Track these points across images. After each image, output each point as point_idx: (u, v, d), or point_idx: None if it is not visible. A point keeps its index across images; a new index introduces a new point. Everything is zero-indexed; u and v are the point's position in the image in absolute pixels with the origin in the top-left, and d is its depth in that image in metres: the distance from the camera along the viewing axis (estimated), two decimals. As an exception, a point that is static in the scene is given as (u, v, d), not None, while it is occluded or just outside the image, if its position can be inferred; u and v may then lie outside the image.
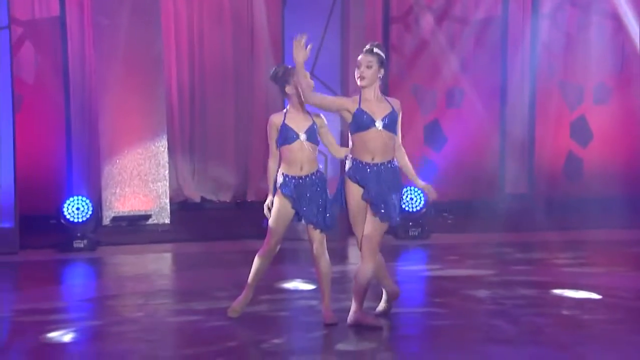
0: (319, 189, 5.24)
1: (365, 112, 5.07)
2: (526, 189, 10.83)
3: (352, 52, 9.62)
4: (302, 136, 5.19)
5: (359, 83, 5.15)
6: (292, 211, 5.24)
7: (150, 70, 9.46)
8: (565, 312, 5.74)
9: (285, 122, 5.22)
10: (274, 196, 5.28)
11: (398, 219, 5.17)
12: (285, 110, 5.33)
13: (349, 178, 5.11)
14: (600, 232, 8.98)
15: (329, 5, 8.75)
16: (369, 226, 5.06)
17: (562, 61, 10.85)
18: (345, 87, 8.95)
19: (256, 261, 5.38)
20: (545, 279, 6.82)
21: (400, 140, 5.27)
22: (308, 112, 5.28)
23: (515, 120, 10.83)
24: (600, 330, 5.28)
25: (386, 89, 10.33)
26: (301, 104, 5.21)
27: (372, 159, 5.09)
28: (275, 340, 5.06)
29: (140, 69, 9.39)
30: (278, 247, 5.35)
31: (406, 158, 5.32)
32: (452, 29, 10.64)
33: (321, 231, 5.24)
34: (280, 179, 5.24)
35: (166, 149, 9.64)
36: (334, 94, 8.15)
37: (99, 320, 5.84)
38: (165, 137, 9.62)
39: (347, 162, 5.17)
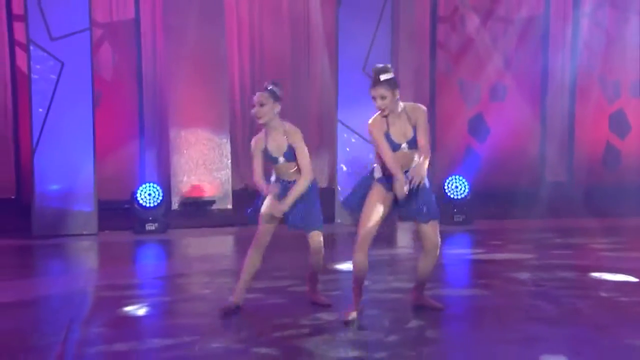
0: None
1: (391, 137, 4.82)
2: (566, 178, 10.65)
3: (401, 49, 9.58)
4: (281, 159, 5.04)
5: (382, 114, 4.79)
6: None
7: (215, 68, 9.55)
8: (603, 295, 5.62)
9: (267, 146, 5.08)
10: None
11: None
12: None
13: (379, 182, 4.92)
14: (637, 220, 8.77)
15: (380, 5, 8.69)
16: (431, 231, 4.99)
17: (601, 57, 10.61)
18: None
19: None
20: (584, 263, 6.70)
21: (423, 141, 4.82)
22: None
23: (555, 113, 10.65)
24: (637, 312, 5.15)
25: (433, 85, 10.34)
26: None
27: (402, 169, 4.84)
28: (330, 318, 5.07)
29: (206, 66, 9.49)
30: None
31: (422, 159, 4.81)
32: (496, 28, 10.50)
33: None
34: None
35: (229, 141, 9.73)
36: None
37: (169, 297, 5.94)
38: (228, 129, 9.71)
39: (376, 168, 4.96)
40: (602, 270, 6.33)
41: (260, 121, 5.05)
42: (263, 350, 4.45)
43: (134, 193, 8.52)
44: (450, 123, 10.18)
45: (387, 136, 4.86)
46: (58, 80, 8.14)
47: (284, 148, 5.04)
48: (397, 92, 4.80)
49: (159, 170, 9.96)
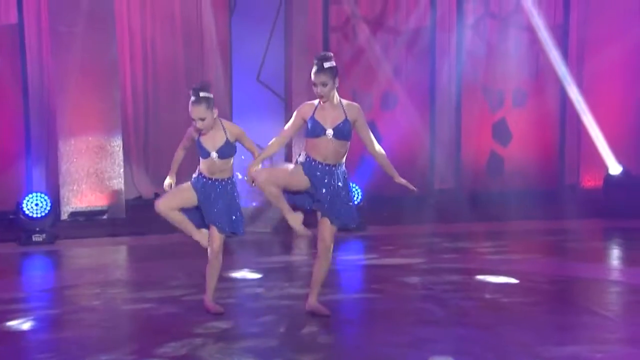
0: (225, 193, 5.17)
1: (317, 121, 4.92)
2: (453, 184, 11.00)
3: (295, 57, 9.64)
4: (214, 154, 5.11)
5: (322, 100, 4.91)
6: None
7: (106, 74, 9.29)
8: (487, 296, 5.84)
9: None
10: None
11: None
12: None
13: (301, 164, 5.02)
14: (518, 223, 9.17)
15: (273, 13, 8.72)
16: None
17: (484, 68, 11.04)
18: (289, 90, 8.95)
19: None
20: (470, 266, 6.94)
21: (375, 142, 5.08)
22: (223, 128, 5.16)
23: (443, 121, 10.99)
24: (519, 312, 5.39)
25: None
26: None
27: (324, 161, 4.97)
28: (224, 326, 5.03)
29: (96, 73, 9.21)
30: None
31: (386, 157, 5.15)
32: (386, 38, 10.74)
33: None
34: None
35: (121, 149, 9.48)
36: (279, 97, 8.14)
37: (57, 309, 5.71)
38: (120, 137, 9.46)
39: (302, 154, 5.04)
40: (486, 272, 6.58)
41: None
42: (156, 361, 4.36)
43: (20, 203, 8.16)
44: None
45: (312, 120, 4.93)
46: None
47: (220, 144, 5.08)
48: (337, 81, 4.93)
49: (48, 180, 9.58)
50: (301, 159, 5.04)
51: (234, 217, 5.15)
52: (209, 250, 5.21)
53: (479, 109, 11.06)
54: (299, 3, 9.45)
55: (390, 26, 10.75)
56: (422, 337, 4.75)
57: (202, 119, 5.06)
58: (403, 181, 5.21)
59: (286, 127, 5.08)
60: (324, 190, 4.98)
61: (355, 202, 5.07)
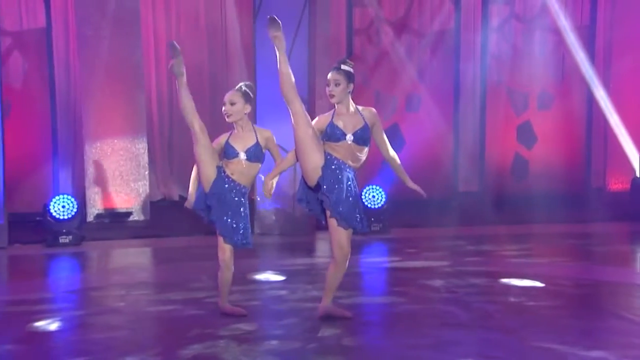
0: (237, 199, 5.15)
1: (337, 126, 4.95)
2: (477, 187, 10.95)
3: (318, 61, 9.65)
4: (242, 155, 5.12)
5: (331, 101, 4.98)
6: None
7: (131, 78, 9.38)
8: (511, 299, 5.80)
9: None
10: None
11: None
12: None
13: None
14: (544, 226, 9.10)
15: (297, 16, 8.74)
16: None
17: (509, 70, 10.99)
18: (312, 93, 8.96)
19: None
20: (494, 269, 6.90)
21: (390, 149, 5.14)
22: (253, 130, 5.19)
23: (467, 124, 10.94)
24: (543, 316, 5.34)
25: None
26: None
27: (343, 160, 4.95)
28: (248, 328, 5.05)
29: (122, 76, 9.31)
30: None
31: (399, 162, 5.20)
32: (410, 40, 10.73)
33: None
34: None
35: (146, 151, 9.57)
36: (302, 101, 8.13)
37: (83, 310, 5.77)
38: (145, 139, 9.55)
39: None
40: (511, 276, 6.53)
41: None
42: (180, 362, 4.39)
43: (47, 205, 8.26)
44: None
45: (331, 125, 4.96)
46: (-36, 89, 7.83)
47: (250, 145, 5.10)
48: (351, 86, 4.99)
49: (74, 182, 9.70)
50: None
51: (242, 230, 5.12)
52: (219, 259, 5.21)
53: (503, 112, 11.00)
54: (322, 6, 9.47)
55: (414, 28, 10.73)
56: (446, 340, 4.73)
57: (233, 104, 5.09)
58: (414, 186, 5.27)
59: None
60: (334, 184, 4.90)
61: (361, 211, 4.99)
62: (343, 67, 4.97)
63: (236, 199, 5.13)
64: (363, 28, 10.66)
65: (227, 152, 5.14)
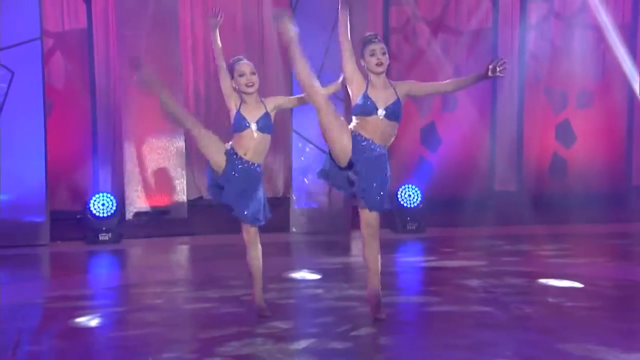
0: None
1: (370, 98, 4.86)
2: (515, 187, 10.83)
3: (355, 59, 9.64)
4: (254, 126, 5.08)
5: (379, 70, 4.88)
6: None
7: (169, 78, 9.45)
8: (550, 300, 5.73)
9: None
10: None
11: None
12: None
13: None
14: (582, 226, 8.97)
15: (333, 15, 8.71)
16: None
17: (547, 68, 10.84)
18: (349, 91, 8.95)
19: None
20: (532, 269, 6.82)
21: (438, 83, 5.14)
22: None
23: (504, 122, 10.83)
24: (582, 317, 5.27)
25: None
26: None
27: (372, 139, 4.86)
28: (284, 326, 5.07)
29: (160, 76, 9.36)
30: None
31: (455, 80, 5.16)
32: (447, 39, 10.65)
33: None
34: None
35: (184, 150, 9.66)
36: (338, 98, 8.12)
37: (122, 307, 5.86)
38: (182, 138, 9.64)
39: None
40: (549, 276, 6.45)
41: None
42: None
43: (87, 203, 8.39)
44: (403, 132, 10.24)
45: (365, 96, 4.87)
46: (8, 89, 7.99)
47: (260, 115, 5.08)
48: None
49: (113, 180, 9.84)
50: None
51: (254, 208, 5.06)
52: (245, 240, 5.20)
53: (541, 110, 10.86)
54: (358, 4, 9.44)
55: (451, 27, 10.65)
56: (483, 341, 4.69)
57: (254, 73, 5.16)
58: (490, 67, 4.93)
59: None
60: (360, 165, 4.83)
61: (385, 190, 4.88)
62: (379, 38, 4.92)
63: (251, 178, 5.06)
64: (399, 27, 10.61)
65: (239, 124, 5.06)
